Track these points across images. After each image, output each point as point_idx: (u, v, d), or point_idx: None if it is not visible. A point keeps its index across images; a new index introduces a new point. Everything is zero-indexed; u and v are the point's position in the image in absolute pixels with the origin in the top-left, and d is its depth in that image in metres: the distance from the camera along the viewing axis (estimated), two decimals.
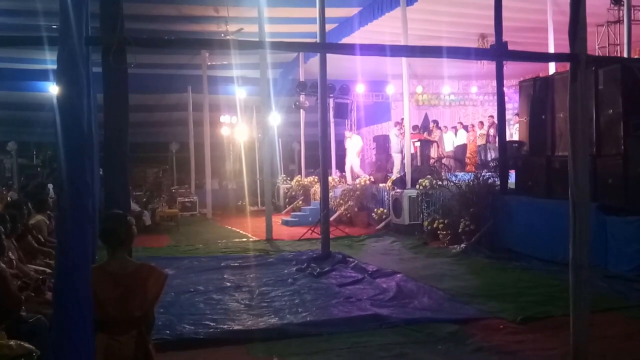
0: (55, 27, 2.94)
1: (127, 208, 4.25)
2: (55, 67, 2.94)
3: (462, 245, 10.55)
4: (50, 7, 11.01)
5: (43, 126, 18.93)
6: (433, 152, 17.36)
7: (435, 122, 19.84)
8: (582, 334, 4.42)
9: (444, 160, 16.57)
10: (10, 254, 5.41)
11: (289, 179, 20.66)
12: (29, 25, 13.63)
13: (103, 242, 3.31)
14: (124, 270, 3.25)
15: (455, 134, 19.49)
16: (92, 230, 3.16)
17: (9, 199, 12.95)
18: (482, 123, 19.14)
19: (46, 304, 4.75)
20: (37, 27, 12.42)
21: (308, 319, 6.55)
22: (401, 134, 15.57)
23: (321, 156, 11.38)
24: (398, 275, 8.48)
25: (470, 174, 12.47)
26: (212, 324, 6.39)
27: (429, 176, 12.78)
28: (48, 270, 5.93)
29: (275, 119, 19.15)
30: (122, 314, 3.18)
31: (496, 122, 14.44)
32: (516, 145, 12.00)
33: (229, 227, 16.03)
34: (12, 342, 3.86)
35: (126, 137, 4.11)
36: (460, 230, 10.86)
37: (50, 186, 13.37)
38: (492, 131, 17.91)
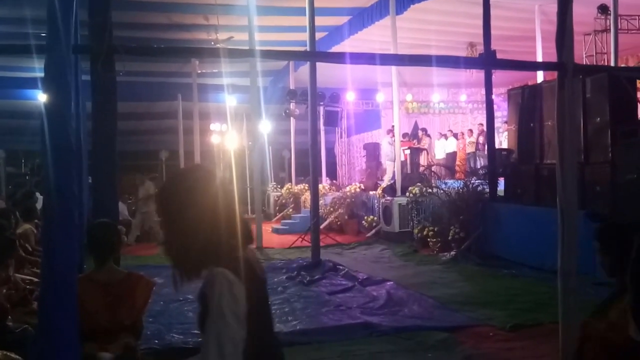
0: (43, 35, 2.92)
1: (115, 216, 4.23)
2: (43, 75, 2.93)
3: (452, 253, 10.57)
4: (39, 15, 10.90)
5: (32, 134, 18.68)
6: (423, 160, 17.41)
7: (425, 129, 19.92)
8: (571, 341, 4.42)
9: (433, 168, 16.62)
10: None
11: (279, 186, 20.62)
12: (17, 33, 13.54)
13: (90, 251, 3.29)
14: (113, 279, 3.24)
15: (446, 141, 19.58)
16: (79, 239, 3.14)
17: None
18: (471, 131, 19.26)
19: (33, 313, 4.70)
20: (25, 35, 12.33)
21: (298, 327, 6.52)
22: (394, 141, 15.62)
23: (311, 164, 11.39)
24: (388, 283, 8.48)
25: (459, 181, 12.50)
26: None
27: (418, 184, 12.81)
28: (35, 280, 5.86)
29: (266, 126, 19.12)
30: (111, 322, 3.17)
31: (485, 130, 14.52)
32: (505, 153, 12.07)
33: None
34: None
35: (115, 145, 4.11)
36: (450, 237, 10.88)
37: (38, 194, 13.23)
38: (481, 139, 17.99)
